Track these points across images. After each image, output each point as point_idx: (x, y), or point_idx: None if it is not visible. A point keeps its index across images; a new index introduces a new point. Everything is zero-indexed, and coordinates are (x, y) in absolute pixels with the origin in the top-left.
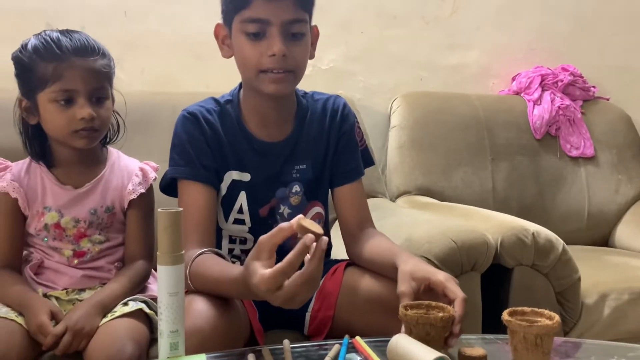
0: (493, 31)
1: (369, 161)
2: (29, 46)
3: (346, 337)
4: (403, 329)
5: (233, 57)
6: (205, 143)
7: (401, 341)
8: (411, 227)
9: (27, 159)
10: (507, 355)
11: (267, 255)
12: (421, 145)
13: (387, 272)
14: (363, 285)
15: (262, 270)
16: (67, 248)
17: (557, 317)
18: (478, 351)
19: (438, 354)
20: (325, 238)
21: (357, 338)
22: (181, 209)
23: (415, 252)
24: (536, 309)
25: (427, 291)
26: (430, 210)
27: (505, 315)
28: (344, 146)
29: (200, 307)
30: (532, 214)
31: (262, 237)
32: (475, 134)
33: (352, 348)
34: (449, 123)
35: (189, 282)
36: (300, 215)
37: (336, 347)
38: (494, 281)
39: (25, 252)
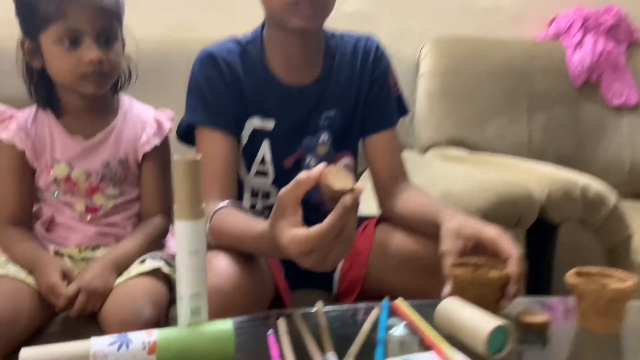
0: None
1: (403, 109)
2: None
3: (386, 299)
4: (445, 289)
5: None
6: (225, 87)
7: (452, 306)
8: (447, 181)
9: (34, 107)
10: (572, 322)
11: (292, 212)
12: (452, 94)
13: (425, 230)
14: (396, 243)
15: (292, 230)
16: (79, 203)
17: (633, 279)
18: (539, 317)
19: (499, 321)
20: (360, 187)
21: (399, 300)
22: (199, 156)
23: (456, 208)
24: (605, 269)
25: (475, 250)
26: (465, 163)
27: (570, 277)
28: (377, 92)
29: (222, 264)
30: (570, 167)
31: (282, 192)
32: (510, 82)
33: (392, 312)
34: (482, 70)
35: (209, 237)
36: (324, 164)
37: (375, 311)
38: (538, 239)
39: (35, 208)
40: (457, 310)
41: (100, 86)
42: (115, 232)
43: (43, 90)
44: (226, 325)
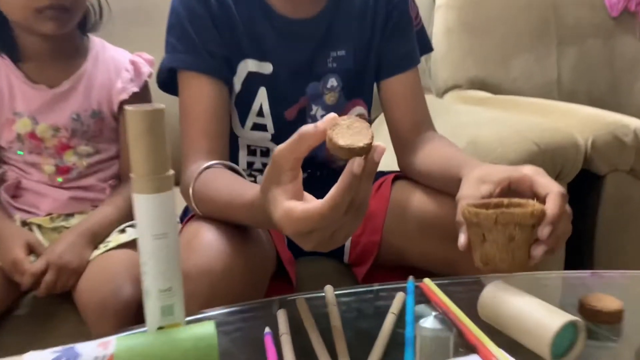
0: None
1: (426, 46)
2: None
3: (410, 279)
4: (461, 238)
5: None
6: (211, 22)
7: (501, 292)
8: (475, 128)
9: None
10: None
11: (290, 177)
12: (473, 29)
13: (450, 188)
14: (417, 204)
15: (287, 203)
16: (47, 163)
17: (536, 206)
18: (610, 303)
19: (568, 317)
20: (381, 146)
21: (427, 281)
22: (162, 105)
23: (483, 159)
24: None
25: (506, 195)
26: (491, 106)
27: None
28: (395, 25)
29: (209, 239)
30: (604, 109)
31: (278, 150)
32: (538, 13)
33: (419, 295)
34: (506, 1)
35: (193, 205)
36: (333, 115)
37: (399, 296)
38: (580, 192)
39: None
40: (508, 298)
41: (62, 24)
42: (92, 196)
43: None
44: (207, 328)
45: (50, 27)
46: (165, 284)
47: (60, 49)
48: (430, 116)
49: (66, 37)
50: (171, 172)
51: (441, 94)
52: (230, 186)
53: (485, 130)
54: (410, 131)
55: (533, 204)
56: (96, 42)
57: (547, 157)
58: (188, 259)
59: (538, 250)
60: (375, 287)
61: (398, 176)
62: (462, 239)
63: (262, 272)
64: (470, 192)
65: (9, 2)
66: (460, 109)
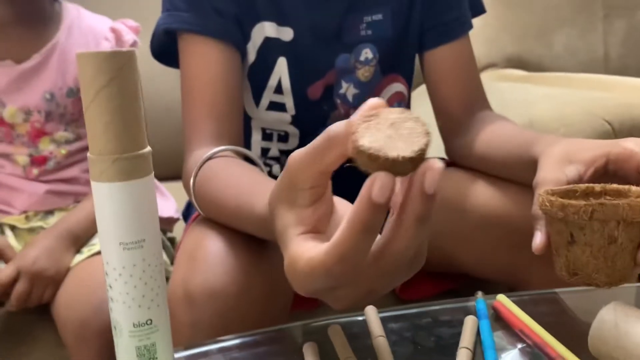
0: None
1: (477, 7)
2: None
3: (479, 296)
4: (537, 238)
5: None
6: None
7: (628, 320)
8: (528, 106)
9: None
10: None
11: (310, 199)
12: (510, 1)
13: (520, 174)
14: (475, 199)
15: (295, 245)
16: (20, 153)
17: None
18: None
19: None
20: (437, 165)
21: (501, 298)
22: (132, 49)
23: None
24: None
25: (601, 179)
26: (540, 84)
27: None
28: None
29: (218, 249)
30: None
31: (295, 158)
32: None
33: (494, 315)
34: None
35: (196, 204)
36: (376, 100)
37: (470, 323)
38: None
39: None
40: (631, 329)
41: None
42: (74, 189)
43: None
44: None
45: None
46: (142, 316)
47: (26, 16)
48: (484, 93)
49: (33, 2)
50: (147, 149)
51: None
52: (238, 188)
53: (542, 108)
54: (462, 111)
55: (638, 192)
56: (70, 9)
57: (624, 137)
58: (191, 277)
59: None
60: (434, 307)
61: (448, 165)
62: (539, 238)
63: (284, 290)
64: (552, 175)
65: None
66: (503, 87)
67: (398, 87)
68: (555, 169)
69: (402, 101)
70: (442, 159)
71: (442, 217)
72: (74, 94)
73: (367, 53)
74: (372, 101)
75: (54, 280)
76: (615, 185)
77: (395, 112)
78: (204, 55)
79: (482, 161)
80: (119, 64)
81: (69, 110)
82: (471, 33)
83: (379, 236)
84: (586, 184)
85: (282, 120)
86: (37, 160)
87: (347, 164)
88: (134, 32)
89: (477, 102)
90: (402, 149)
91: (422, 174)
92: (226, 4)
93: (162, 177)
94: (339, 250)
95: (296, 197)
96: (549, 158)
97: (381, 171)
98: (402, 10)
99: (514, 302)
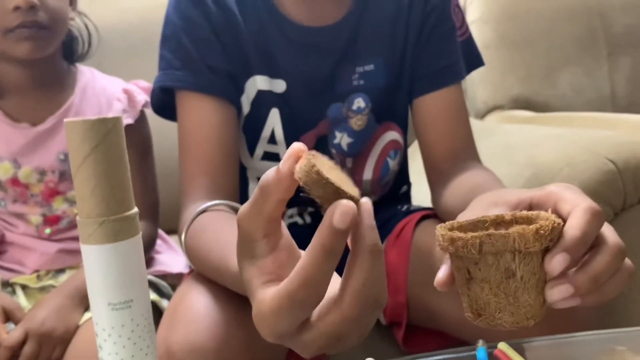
0: None
1: (474, 59)
2: None
3: (480, 344)
4: (441, 272)
5: None
6: (213, 32)
7: None
8: (532, 148)
9: None
10: None
11: (266, 248)
12: (513, 43)
13: None
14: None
15: (260, 292)
16: (34, 213)
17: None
18: None
19: None
20: (369, 202)
21: (502, 347)
22: (118, 116)
23: (549, 182)
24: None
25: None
26: (545, 124)
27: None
28: (433, 30)
29: (199, 304)
30: None
31: (240, 215)
32: (584, 22)
33: None
34: (547, 10)
35: (187, 258)
36: (298, 145)
37: None
38: None
39: None
40: None
41: (39, 45)
42: None
43: None
44: None
45: (26, 48)
46: None
47: (42, 79)
48: (474, 144)
49: (48, 64)
50: (134, 210)
51: (481, 116)
52: (221, 243)
53: (545, 149)
54: (445, 159)
55: (546, 217)
56: (85, 72)
57: (628, 178)
58: (171, 333)
59: (557, 291)
60: (436, 357)
61: (427, 215)
62: (441, 273)
63: (272, 348)
64: (468, 214)
65: None
66: (508, 129)
67: (393, 135)
68: (480, 211)
69: (398, 149)
70: (429, 209)
71: (416, 269)
72: None
73: (359, 102)
74: (295, 145)
75: (63, 339)
76: (525, 212)
77: (320, 157)
78: (199, 112)
79: (444, 213)
80: (104, 131)
81: None
82: (476, 76)
83: (339, 279)
84: (496, 214)
85: None
86: (51, 220)
87: (302, 193)
88: (145, 92)
89: (464, 152)
90: (350, 187)
91: (361, 210)
92: (219, 61)
93: (174, 231)
94: (302, 274)
95: (254, 249)
96: (478, 200)
97: (343, 199)
98: (395, 60)
99: (515, 349)
